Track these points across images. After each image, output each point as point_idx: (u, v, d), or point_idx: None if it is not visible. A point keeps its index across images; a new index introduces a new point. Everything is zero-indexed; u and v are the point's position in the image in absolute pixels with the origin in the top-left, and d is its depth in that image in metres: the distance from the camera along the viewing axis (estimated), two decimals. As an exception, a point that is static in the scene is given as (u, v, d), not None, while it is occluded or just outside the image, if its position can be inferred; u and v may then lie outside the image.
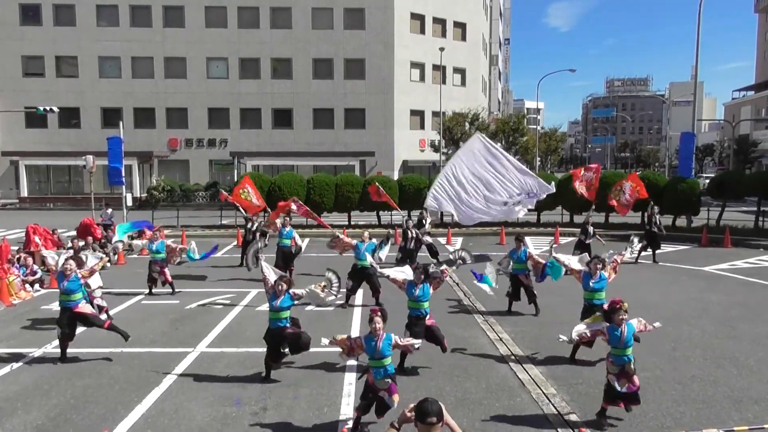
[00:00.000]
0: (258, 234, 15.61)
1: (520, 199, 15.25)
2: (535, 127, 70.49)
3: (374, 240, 12.58)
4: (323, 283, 8.44)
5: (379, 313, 6.36)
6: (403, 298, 8.60)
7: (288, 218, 15.27)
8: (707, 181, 32.46)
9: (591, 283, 8.92)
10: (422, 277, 8.30)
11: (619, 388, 6.54)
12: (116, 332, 8.88)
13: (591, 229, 15.89)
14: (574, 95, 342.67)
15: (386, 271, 8.71)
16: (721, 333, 10.11)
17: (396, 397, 6.24)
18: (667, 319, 10.66)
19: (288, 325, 7.88)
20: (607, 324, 6.79)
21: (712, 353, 9.02)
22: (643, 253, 17.38)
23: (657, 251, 17.26)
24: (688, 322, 10.80)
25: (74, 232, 17.56)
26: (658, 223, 17.32)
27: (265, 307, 11.80)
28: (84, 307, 8.80)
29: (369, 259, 11.31)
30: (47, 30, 41.02)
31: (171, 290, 13.07)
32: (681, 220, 23.77)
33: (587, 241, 15.67)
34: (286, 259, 14.40)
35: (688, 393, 7.49)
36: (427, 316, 8.33)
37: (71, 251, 11.62)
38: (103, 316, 9.78)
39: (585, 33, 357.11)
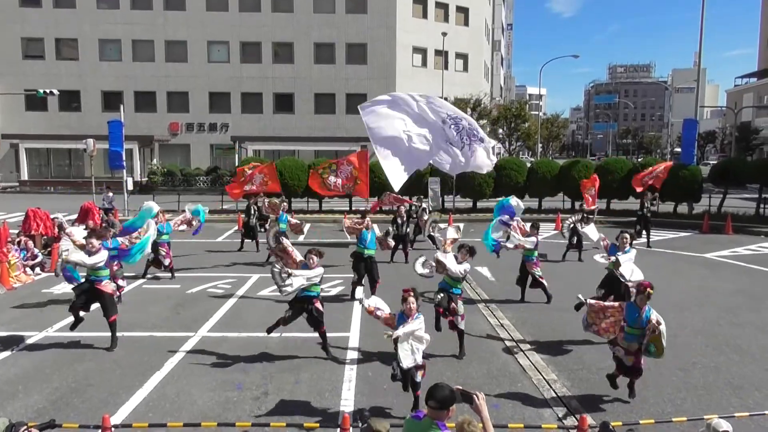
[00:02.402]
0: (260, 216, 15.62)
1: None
2: (537, 113, 70.20)
3: (376, 228, 11.94)
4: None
5: (412, 293, 6.32)
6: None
7: (285, 203, 15.27)
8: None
9: (618, 255, 9.18)
10: (467, 255, 8.34)
11: (627, 363, 6.73)
12: (111, 332, 8.63)
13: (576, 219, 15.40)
14: (577, 81, 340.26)
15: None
16: (723, 320, 10.11)
17: (421, 373, 6.27)
18: (668, 306, 10.65)
19: (318, 296, 8.08)
20: (625, 303, 7.00)
21: (713, 340, 9.03)
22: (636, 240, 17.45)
23: (650, 237, 17.34)
24: (689, 308, 10.79)
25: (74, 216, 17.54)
26: (649, 207, 17.39)
27: (266, 292, 11.88)
28: (106, 287, 8.67)
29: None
30: (47, 12, 40.60)
31: (171, 275, 13.16)
32: (682, 207, 23.70)
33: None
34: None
35: (689, 379, 7.50)
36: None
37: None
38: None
39: (588, 19, 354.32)
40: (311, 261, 7.92)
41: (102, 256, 8.53)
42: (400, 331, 6.01)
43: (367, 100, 36.20)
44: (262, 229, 16.51)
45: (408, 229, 15.40)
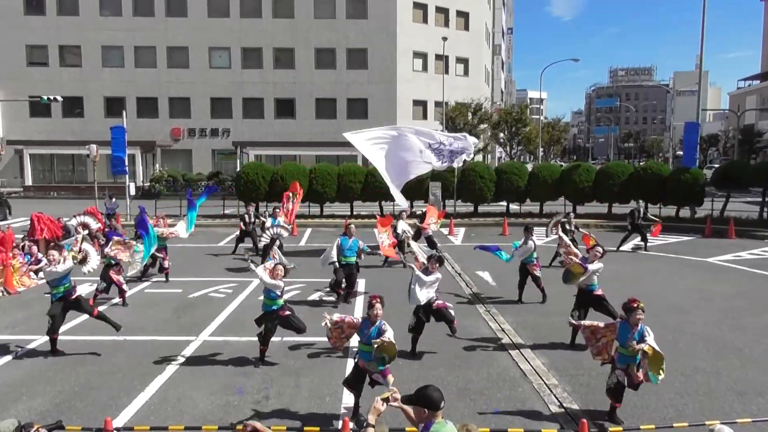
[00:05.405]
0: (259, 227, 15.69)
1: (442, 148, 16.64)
2: (538, 117, 70.21)
3: (361, 243, 11.81)
4: None
5: (379, 300, 6.52)
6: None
7: (276, 210, 15.54)
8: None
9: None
10: (437, 264, 8.42)
11: (626, 384, 6.47)
12: (107, 322, 8.71)
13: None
14: (578, 85, 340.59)
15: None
16: (725, 324, 10.08)
17: (390, 378, 6.23)
18: (669, 310, 10.67)
19: (282, 307, 8.20)
20: (618, 321, 6.75)
21: (715, 344, 9.01)
22: (631, 245, 17.52)
23: (645, 241, 17.49)
24: (690, 313, 10.78)
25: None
26: (641, 215, 17.54)
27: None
28: (75, 293, 8.71)
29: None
30: (51, 19, 40.80)
31: (165, 279, 13.36)
32: (685, 211, 23.67)
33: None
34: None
35: (690, 384, 7.48)
36: (435, 301, 8.42)
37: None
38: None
39: (588, 22, 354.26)
40: (277, 273, 8.06)
41: (68, 265, 8.57)
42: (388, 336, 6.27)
43: (368, 104, 37.11)
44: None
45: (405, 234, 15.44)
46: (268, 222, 15.15)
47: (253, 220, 16.61)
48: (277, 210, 15.50)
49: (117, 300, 11.41)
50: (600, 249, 9.13)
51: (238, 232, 17.21)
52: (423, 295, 8.22)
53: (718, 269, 14.98)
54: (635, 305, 6.41)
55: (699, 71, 27.72)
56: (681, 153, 36.96)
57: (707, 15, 24.24)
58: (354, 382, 6.53)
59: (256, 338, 8.59)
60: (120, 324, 8.87)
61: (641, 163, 36.95)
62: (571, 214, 16.67)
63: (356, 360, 6.58)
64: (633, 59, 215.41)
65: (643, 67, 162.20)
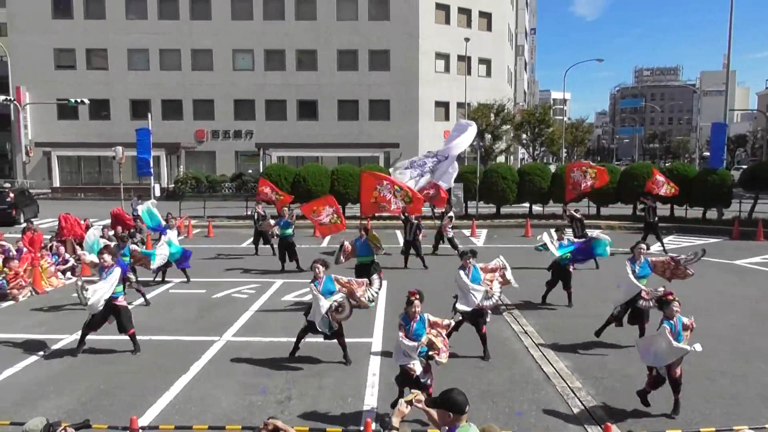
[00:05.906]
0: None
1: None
2: (561, 118, 69.47)
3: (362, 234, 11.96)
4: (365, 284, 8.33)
5: (417, 295, 6.52)
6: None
7: (288, 209, 15.57)
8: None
9: (636, 269, 8.93)
10: (470, 258, 8.54)
11: (666, 376, 6.56)
12: (132, 342, 8.77)
13: (572, 214, 15.95)
14: (602, 85, 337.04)
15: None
16: (751, 327, 9.89)
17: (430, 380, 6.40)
18: (694, 313, 10.40)
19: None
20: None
21: (741, 348, 8.83)
22: (656, 247, 17.22)
23: (662, 243, 17.08)
24: (716, 316, 10.58)
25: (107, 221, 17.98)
26: (651, 214, 17.26)
27: (291, 297, 12.03)
28: (122, 301, 8.87)
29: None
30: (78, 23, 41.65)
31: (186, 279, 13.46)
32: (712, 213, 23.22)
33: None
34: (288, 249, 14.72)
35: (716, 389, 7.34)
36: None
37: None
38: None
39: (612, 21, 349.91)
40: (317, 271, 8.07)
41: (116, 275, 8.68)
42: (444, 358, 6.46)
43: (390, 105, 37.31)
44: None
45: (419, 236, 15.39)
46: (272, 222, 15.33)
47: (263, 214, 16.69)
48: (286, 209, 15.62)
49: (140, 300, 11.59)
50: (643, 246, 9.25)
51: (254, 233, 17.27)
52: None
53: (745, 272, 14.67)
54: (671, 298, 6.68)
55: (726, 71, 27.19)
56: (708, 154, 36.28)
57: (735, 12, 23.76)
58: (404, 383, 6.60)
59: (279, 339, 8.69)
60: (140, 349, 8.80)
61: (667, 164, 36.34)
62: (578, 211, 16.57)
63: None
64: (658, 59, 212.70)
65: (669, 67, 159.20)
